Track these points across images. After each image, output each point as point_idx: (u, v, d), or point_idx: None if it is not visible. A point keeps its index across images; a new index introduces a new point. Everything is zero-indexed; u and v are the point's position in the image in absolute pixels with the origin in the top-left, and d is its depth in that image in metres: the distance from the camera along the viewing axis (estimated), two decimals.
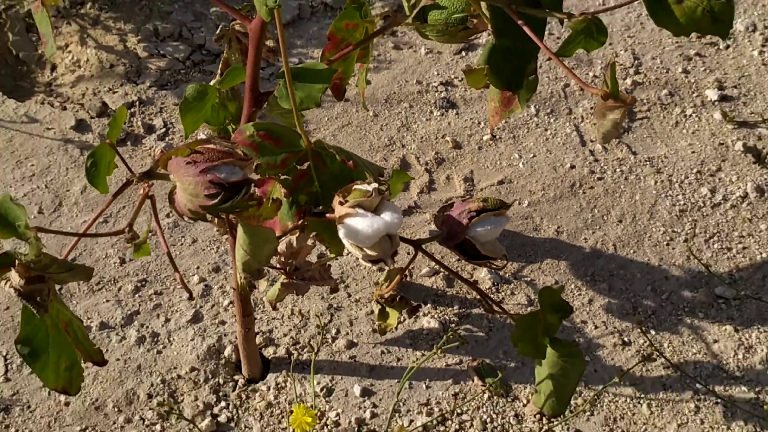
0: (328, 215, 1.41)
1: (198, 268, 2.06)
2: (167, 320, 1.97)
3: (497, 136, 2.30)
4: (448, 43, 2.15)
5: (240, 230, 1.48)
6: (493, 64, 1.36)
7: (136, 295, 2.01)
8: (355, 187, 1.36)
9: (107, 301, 1.99)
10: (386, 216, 1.33)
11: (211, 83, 1.68)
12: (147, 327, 1.96)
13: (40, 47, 2.48)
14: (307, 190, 1.53)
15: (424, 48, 2.49)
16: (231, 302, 2.00)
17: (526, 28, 1.22)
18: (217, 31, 1.77)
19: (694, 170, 2.26)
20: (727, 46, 2.54)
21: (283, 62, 1.34)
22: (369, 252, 1.36)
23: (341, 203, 1.36)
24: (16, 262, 1.19)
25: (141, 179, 1.29)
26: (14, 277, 1.20)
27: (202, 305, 2.00)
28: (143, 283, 2.02)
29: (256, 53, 1.56)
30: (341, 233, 1.35)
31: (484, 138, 2.31)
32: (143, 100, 2.35)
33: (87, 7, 2.51)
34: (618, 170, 2.25)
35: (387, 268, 1.75)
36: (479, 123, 2.34)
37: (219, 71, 1.75)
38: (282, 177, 1.50)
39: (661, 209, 2.18)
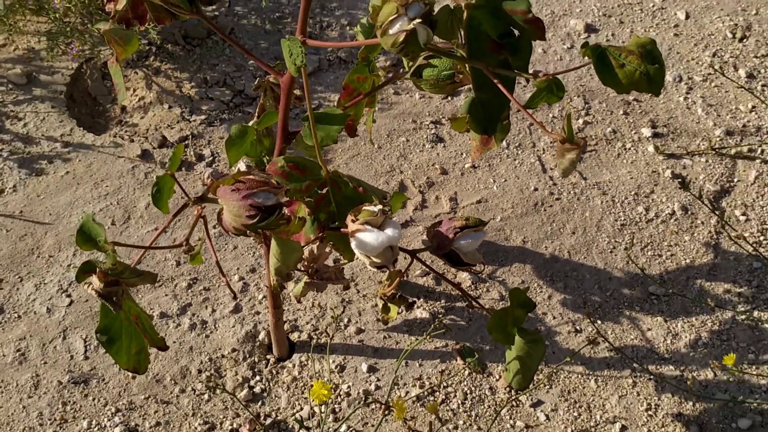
0: (342, 230, 1.42)
1: (238, 269, 2.06)
2: (213, 311, 1.97)
3: (476, 165, 2.31)
4: (438, 94, 2.16)
5: (273, 242, 1.49)
6: (473, 113, 1.37)
7: (189, 291, 2.01)
8: (364, 208, 1.38)
9: (166, 295, 1.99)
10: (389, 231, 1.35)
11: (250, 124, 1.68)
12: (197, 316, 1.96)
13: (113, 91, 2.49)
14: (326, 210, 1.54)
15: (418, 94, 2.50)
16: (264, 296, 2.00)
17: (500, 86, 1.23)
18: (255, 82, 1.78)
19: (632, 192, 2.26)
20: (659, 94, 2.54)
21: (307, 108, 1.35)
22: (375, 260, 1.37)
23: (353, 221, 1.38)
24: (97, 269, 1.20)
25: (195, 202, 1.30)
26: (95, 281, 1.21)
27: (241, 299, 2.00)
28: (194, 281, 2.03)
29: (286, 101, 1.57)
30: (353, 244, 1.37)
31: (466, 166, 2.31)
32: (195, 134, 2.35)
33: (151, 59, 2.51)
34: (572, 192, 2.25)
35: (389, 271, 1.76)
36: (462, 154, 2.34)
37: (257, 114, 1.76)
38: (306, 199, 1.51)
39: (606, 223, 2.19)
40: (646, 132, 2.41)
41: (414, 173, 2.29)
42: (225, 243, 2.11)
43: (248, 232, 1.28)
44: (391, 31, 1.19)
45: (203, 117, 2.39)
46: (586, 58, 1.17)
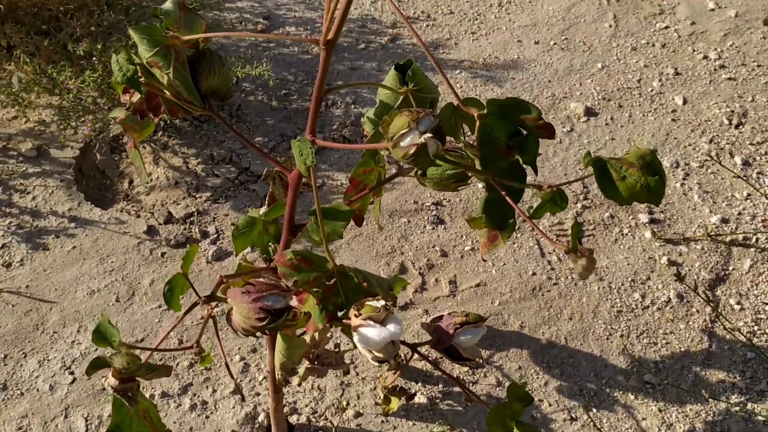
0: (345, 321, 1.48)
1: (239, 349, 2.11)
2: (214, 391, 2.02)
3: (475, 247, 2.37)
4: (442, 191, 2.24)
5: (279, 339, 1.55)
6: (488, 212, 1.43)
7: (190, 370, 2.06)
8: (367, 303, 1.43)
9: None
10: (391, 327, 1.40)
11: (260, 213, 1.75)
12: (198, 396, 2.01)
13: (121, 165, 2.56)
14: (333, 300, 1.60)
15: None
16: (264, 377, 2.05)
17: (507, 198, 1.30)
18: (264, 172, 1.84)
19: (629, 279, 2.32)
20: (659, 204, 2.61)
21: (315, 203, 1.41)
22: (377, 354, 1.42)
23: (356, 315, 1.43)
24: (112, 368, 1.26)
25: (205, 302, 1.36)
26: (110, 379, 1.26)
27: (241, 379, 2.05)
28: (196, 360, 2.08)
29: (293, 196, 1.64)
30: (355, 339, 1.42)
31: (466, 248, 2.38)
32: (200, 211, 2.42)
33: (159, 134, 2.59)
34: (569, 277, 2.31)
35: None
36: (462, 236, 2.41)
37: (267, 203, 1.82)
38: (314, 290, 1.57)
39: (603, 310, 2.24)
40: (643, 218, 2.48)
41: (414, 255, 2.35)
42: (227, 325, 2.16)
43: (257, 333, 1.34)
44: (402, 144, 1.26)
45: (209, 194, 2.46)
46: (589, 168, 1.24)
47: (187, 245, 2.33)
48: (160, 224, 2.38)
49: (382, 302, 1.44)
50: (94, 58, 2.50)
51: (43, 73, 2.46)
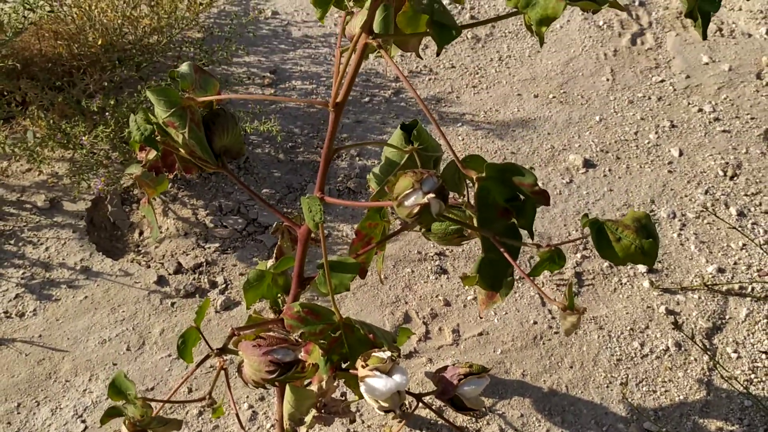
0: (352, 371, 1.53)
1: (248, 397, 2.15)
2: None
3: (478, 297, 2.41)
4: (446, 245, 2.29)
5: (287, 390, 1.59)
6: (482, 273, 1.48)
7: (200, 418, 2.10)
8: (374, 354, 1.48)
9: None
10: (397, 378, 1.45)
11: (267, 266, 1.80)
12: None
13: (132, 216, 2.61)
14: (338, 351, 1.65)
15: None
16: (272, 425, 2.08)
17: (505, 254, 1.35)
18: (273, 226, 1.90)
19: (628, 327, 2.37)
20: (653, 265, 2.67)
21: (323, 258, 1.46)
22: (383, 404, 1.47)
23: (363, 366, 1.48)
24: (126, 420, 1.30)
25: (217, 354, 1.41)
26: (124, 430, 1.31)
27: (250, 427, 2.09)
28: (205, 408, 2.12)
29: (303, 250, 1.70)
30: (362, 389, 1.47)
31: (468, 298, 2.43)
32: (209, 261, 2.47)
33: (168, 185, 2.65)
34: None
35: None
36: (465, 286, 2.46)
37: (275, 255, 1.87)
38: (320, 342, 1.62)
39: (603, 358, 2.29)
40: (642, 268, 2.53)
41: (418, 304, 2.40)
42: (235, 370, 2.21)
43: (267, 384, 1.38)
44: (406, 203, 1.32)
45: (217, 244, 2.52)
46: (586, 229, 1.30)
47: (196, 295, 2.38)
48: (169, 274, 2.43)
49: (389, 353, 1.49)
50: (106, 113, 2.58)
51: (57, 128, 2.54)
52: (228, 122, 1.67)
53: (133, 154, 2.59)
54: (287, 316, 1.68)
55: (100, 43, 2.71)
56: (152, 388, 2.15)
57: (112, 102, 2.53)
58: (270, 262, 1.84)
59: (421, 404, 2.08)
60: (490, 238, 1.39)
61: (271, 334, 1.41)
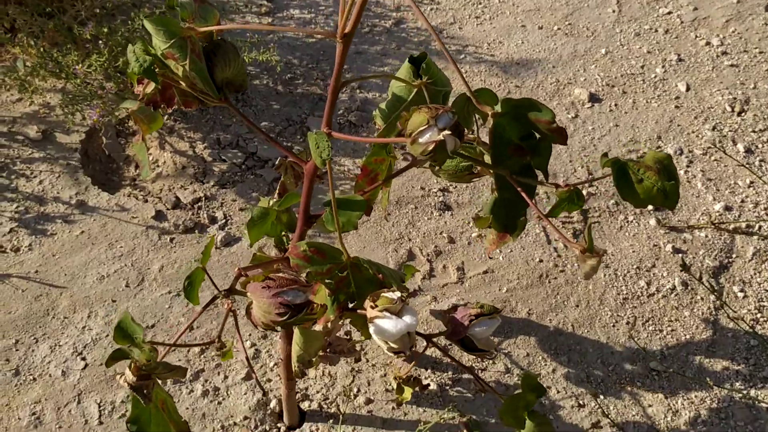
0: (359, 311, 1.47)
1: (250, 335, 2.10)
2: (226, 377, 2.01)
3: (483, 234, 2.36)
4: (456, 183, 2.22)
5: (296, 333, 1.54)
6: (495, 214, 1.42)
7: (202, 356, 2.05)
8: (383, 294, 1.43)
9: (179, 360, 2.03)
10: (407, 319, 1.40)
11: (270, 204, 1.73)
12: (210, 382, 2.00)
13: (127, 149, 2.53)
14: (345, 291, 1.59)
15: None
16: (276, 364, 2.04)
17: (522, 192, 1.29)
18: (277, 161, 1.82)
19: (634, 266, 2.32)
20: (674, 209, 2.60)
21: (330, 195, 1.39)
22: (393, 345, 1.42)
23: (372, 307, 1.42)
24: (131, 363, 1.24)
25: (225, 296, 1.35)
26: (128, 374, 1.25)
27: (253, 365, 2.04)
28: (207, 347, 2.07)
29: (309, 187, 1.63)
30: (371, 330, 1.42)
31: (473, 235, 2.37)
32: (208, 196, 2.40)
33: (164, 117, 2.56)
34: (576, 264, 2.31)
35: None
36: (469, 222, 2.40)
37: (277, 192, 1.80)
38: (326, 281, 1.56)
39: (609, 297, 2.24)
40: (649, 206, 2.46)
41: (422, 242, 2.34)
42: (237, 308, 2.16)
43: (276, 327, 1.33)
44: (421, 140, 1.25)
45: (216, 179, 2.44)
46: (606, 169, 1.24)
47: (195, 230, 2.32)
48: (167, 209, 2.36)
49: (398, 294, 1.43)
50: (100, 42, 2.47)
51: (49, 57, 2.43)
52: (230, 54, 1.58)
53: (128, 86, 2.49)
54: (293, 255, 1.61)
55: None
56: (152, 326, 2.10)
57: (105, 30, 2.42)
58: (273, 200, 1.77)
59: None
60: (506, 177, 1.32)
61: (281, 275, 1.35)
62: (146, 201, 2.38)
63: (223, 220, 2.35)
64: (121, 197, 2.39)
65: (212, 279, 1.34)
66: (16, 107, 2.57)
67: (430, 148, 1.23)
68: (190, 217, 2.34)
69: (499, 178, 1.38)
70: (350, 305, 1.60)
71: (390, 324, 1.39)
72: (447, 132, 1.22)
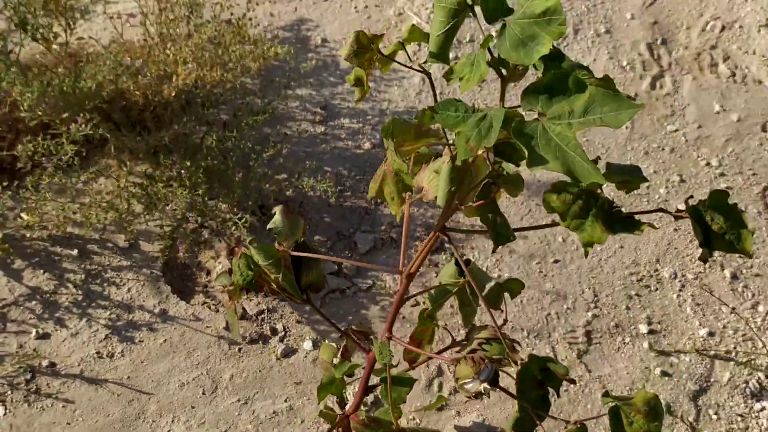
0: None
1: None
2: None
3: None
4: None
5: None
6: (515, 428, 1.83)
7: None
8: None
9: None
10: None
11: (335, 371, 2.15)
12: None
13: (200, 256, 2.95)
14: None
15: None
16: None
17: (537, 422, 1.73)
18: (343, 330, 2.24)
19: (627, 387, 2.75)
20: (656, 288, 3.02)
21: (387, 382, 1.82)
22: None
23: None
24: None
25: None
26: None
27: None
28: None
29: (369, 371, 2.08)
30: None
31: None
32: (269, 308, 2.83)
33: (232, 229, 2.97)
34: (578, 384, 2.74)
35: None
36: None
37: (340, 353, 2.22)
38: None
39: (605, 419, 2.67)
40: (643, 328, 2.89)
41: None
42: None
43: None
44: (467, 387, 1.69)
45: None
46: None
47: (260, 341, 2.75)
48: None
49: None
50: (183, 172, 2.86)
51: (140, 187, 2.84)
52: (312, 263, 2.00)
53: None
54: (354, 420, 2.07)
55: (173, 94, 2.98)
56: (225, 431, 2.55)
57: (188, 163, 2.83)
58: (335, 354, 2.18)
59: None
60: (529, 410, 1.75)
61: None
62: (217, 311, 2.81)
63: (283, 333, 2.78)
64: (197, 306, 2.82)
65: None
66: (106, 216, 2.99)
67: (474, 394, 1.67)
68: (255, 330, 2.77)
69: (521, 407, 1.80)
70: None
71: None
72: (486, 385, 1.66)
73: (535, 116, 1.28)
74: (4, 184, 2.93)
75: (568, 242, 3.10)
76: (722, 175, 3.37)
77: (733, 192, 3.31)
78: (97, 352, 2.67)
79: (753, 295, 3.01)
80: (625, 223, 1.50)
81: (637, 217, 1.49)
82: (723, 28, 3.87)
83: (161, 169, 2.90)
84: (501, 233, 1.57)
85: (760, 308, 2.97)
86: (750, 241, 1.55)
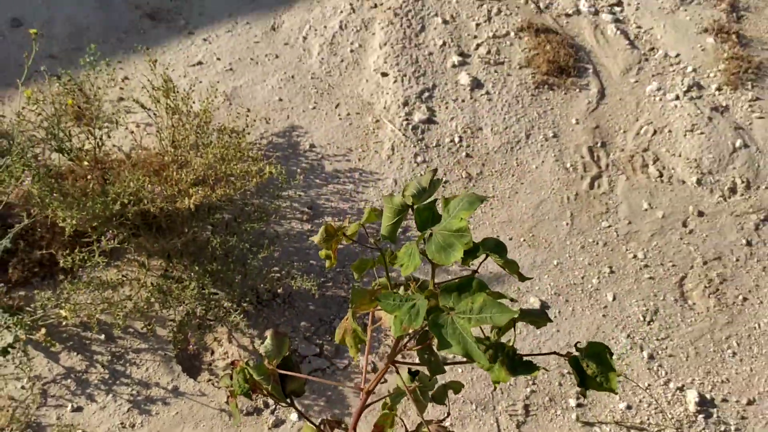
0: None
1: None
2: None
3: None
4: None
5: None
6: None
7: None
8: None
9: None
10: None
11: None
12: None
13: (205, 337, 3.54)
14: None
15: None
16: None
17: None
18: (319, 421, 2.82)
19: None
20: None
21: None
22: None
23: None
24: None
25: None
26: None
27: None
28: None
29: None
30: None
31: None
32: None
33: (232, 315, 3.56)
34: None
35: None
36: None
37: None
38: None
39: None
40: (572, 402, 3.48)
41: None
42: None
43: None
44: None
45: None
46: None
47: (254, 413, 3.34)
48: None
49: None
50: (192, 274, 3.46)
51: (155, 287, 3.44)
52: (296, 372, 2.58)
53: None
54: None
55: (185, 206, 3.59)
56: None
57: (196, 267, 3.43)
58: None
59: None
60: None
61: None
62: (219, 388, 3.40)
63: (273, 406, 3.36)
64: (203, 383, 3.41)
65: None
66: (126, 303, 3.58)
67: None
68: (250, 403, 3.35)
69: None
70: None
71: None
72: None
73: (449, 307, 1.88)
74: (42, 276, 3.52)
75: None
76: (646, 266, 3.98)
77: (654, 282, 3.92)
78: (121, 423, 3.26)
79: (666, 373, 3.61)
80: (525, 366, 2.09)
81: (534, 359, 2.08)
82: (655, 132, 4.50)
83: (174, 269, 3.50)
84: (435, 369, 2.17)
85: (671, 385, 3.57)
86: (615, 381, 2.09)
